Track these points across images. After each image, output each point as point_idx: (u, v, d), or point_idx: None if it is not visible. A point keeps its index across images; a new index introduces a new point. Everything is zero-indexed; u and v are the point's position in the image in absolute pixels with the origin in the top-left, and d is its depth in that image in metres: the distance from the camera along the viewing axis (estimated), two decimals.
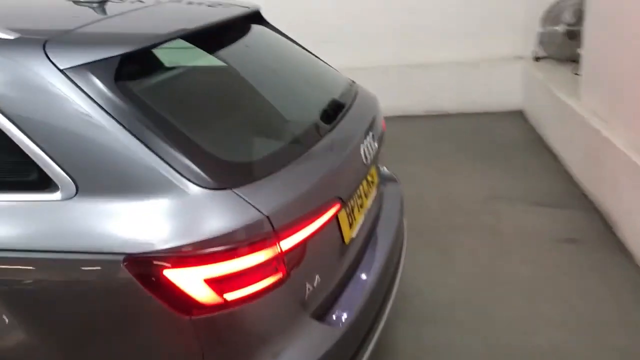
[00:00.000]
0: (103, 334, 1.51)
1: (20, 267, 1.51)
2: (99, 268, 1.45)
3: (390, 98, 5.93)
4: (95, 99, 1.47)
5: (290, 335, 1.59)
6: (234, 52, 2.14)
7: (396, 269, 2.33)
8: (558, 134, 4.48)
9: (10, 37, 1.55)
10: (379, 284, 2.06)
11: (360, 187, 2.04)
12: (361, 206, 2.06)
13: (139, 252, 1.40)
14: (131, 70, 1.60)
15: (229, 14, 2.09)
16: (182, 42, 1.84)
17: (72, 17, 1.91)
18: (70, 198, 1.47)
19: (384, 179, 2.57)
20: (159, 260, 1.40)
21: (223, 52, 2.09)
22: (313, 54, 2.53)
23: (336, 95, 2.16)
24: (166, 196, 1.43)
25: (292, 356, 1.58)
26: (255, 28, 2.39)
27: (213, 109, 1.77)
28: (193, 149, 1.49)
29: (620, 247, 3.14)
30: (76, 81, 1.48)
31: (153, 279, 1.41)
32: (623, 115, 3.31)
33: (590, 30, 3.89)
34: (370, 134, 2.11)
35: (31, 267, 1.50)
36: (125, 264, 1.40)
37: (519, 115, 5.57)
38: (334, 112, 2.00)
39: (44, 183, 1.48)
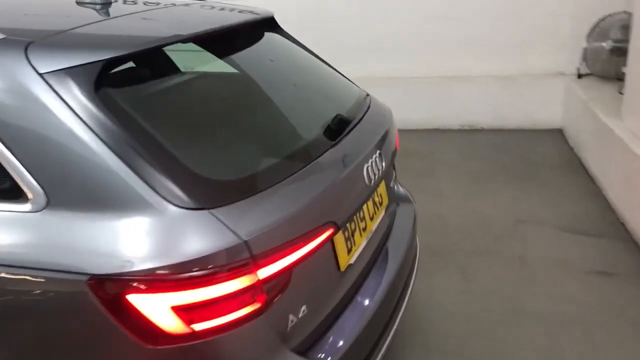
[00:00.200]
0: (61, 358, 1.41)
1: None
2: (62, 287, 1.35)
3: (424, 110, 5.79)
4: (73, 107, 1.38)
5: None
6: (238, 61, 2.03)
7: (403, 294, 2.17)
8: (597, 156, 4.21)
9: None
10: (381, 310, 1.92)
11: (363, 209, 1.90)
12: (364, 229, 1.91)
13: (104, 273, 1.30)
14: (116, 77, 1.51)
15: (235, 20, 1.99)
16: (177, 49, 1.74)
17: (69, 18, 1.84)
18: (40, 210, 1.38)
19: (397, 199, 2.41)
20: (123, 283, 1.30)
21: (225, 60, 1.99)
22: (328, 64, 2.41)
23: (345, 109, 2.03)
24: (137, 214, 1.33)
25: None
26: (267, 35, 2.28)
27: (203, 121, 1.66)
28: (171, 164, 1.39)
29: None
30: (54, 86, 1.39)
31: (116, 303, 1.31)
32: None
33: (635, 48, 3.63)
34: (378, 152, 1.96)
35: None
36: (89, 284, 1.30)
37: (557, 134, 5.29)
38: (338, 127, 1.87)
39: (15, 192, 1.40)
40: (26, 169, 1.38)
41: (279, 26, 2.37)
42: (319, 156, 1.70)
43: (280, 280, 1.45)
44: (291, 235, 1.45)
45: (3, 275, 1.38)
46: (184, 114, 1.65)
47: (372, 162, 1.89)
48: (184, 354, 1.34)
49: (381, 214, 2.10)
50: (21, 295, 1.40)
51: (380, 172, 1.98)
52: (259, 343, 1.44)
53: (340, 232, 1.71)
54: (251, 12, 2.18)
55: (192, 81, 1.85)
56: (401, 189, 2.54)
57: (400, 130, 5.61)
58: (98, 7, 1.91)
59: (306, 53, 2.37)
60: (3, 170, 1.40)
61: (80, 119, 1.37)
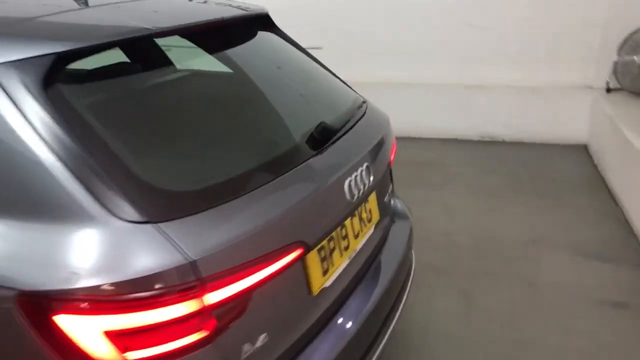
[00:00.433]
0: None
1: None
2: None
3: (442, 119, 5.59)
4: (17, 103, 1.26)
5: None
6: (220, 60, 1.90)
7: (391, 315, 2.00)
8: (620, 177, 3.96)
9: None
10: (363, 333, 1.77)
11: (346, 226, 1.74)
12: (346, 248, 1.75)
13: (32, 290, 1.17)
14: (71, 73, 1.38)
15: (218, 15, 1.84)
16: (147, 44, 1.61)
17: (42, 6, 1.72)
18: None
19: (392, 214, 2.24)
20: (51, 302, 1.16)
21: (206, 58, 1.85)
22: (326, 67, 2.25)
23: (334, 116, 1.87)
24: (75, 225, 1.19)
25: None
26: (260, 35, 2.13)
27: (165, 125, 1.51)
28: (117, 171, 1.25)
29: None
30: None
31: (44, 323, 1.17)
32: None
33: None
34: (365, 165, 1.80)
35: None
36: (17, 300, 1.17)
37: (582, 151, 5.03)
38: (322, 136, 1.71)
39: None
40: None
41: (274, 25, 2.23)
42: (293, 168, 1.54)
43: (234, 306, 1.30)
44: (250, 256, 1.30)
45: None
46: (143, 116, 1.50)
47: (356, 176, 1.73)
48: None
49: (369, 231, 1.93)
50: None
51: (367, 186, 1.81)
52: None
53: (315, 251, 1.56)
54: (243, 8, 2.04)
55: (162, 80, 1.71)
56: (398, 203, 2.37)
57: (416, 139, 5.54)
58: None
59: (302, 55, 2.22)
60: None
61: (24, 116, 1.24)
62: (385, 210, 2.13)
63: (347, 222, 1.76)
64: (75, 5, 1.73)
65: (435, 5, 5.32)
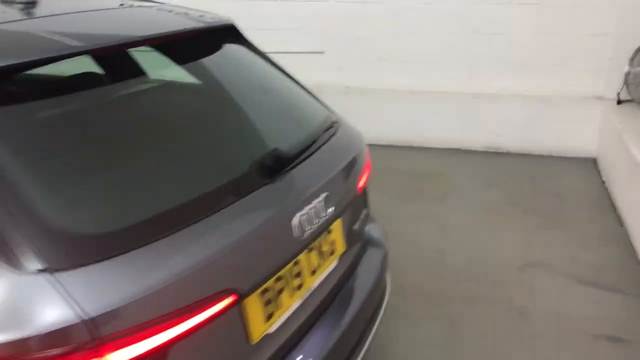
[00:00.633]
0: None
1: None
2: None
3: (446, 128, 5.40)
4: None
5: None
6: (170, 77, 1.76)
7: (354, 351, 1.85)
8: (627, 195, 3.75)
9: None
10: None
11: (301, 263, 1.59)
12: (299, 287, 1.60)
13: None
14: None
15: (169, 29, 1.70)
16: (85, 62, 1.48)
17: None
18: None
19: (364, 242, 2.08)
20: None
21: (154, 76, 1.71)
22: (298, 83, 2.10)
23: (295, 140, 1.72)
24: None
25: None
26: (225, 47, 1.99)
27: (74, 154, 1.34)
28: (10, 209, 1.10)
29: None
30: None
31: None
32: None
33: None
34: (324, 195, 1.64)
35: None
36: None
37: (590, 165, 4.81)
38: (275, 164, 1.56)
39: None
40: None
41: (242, 37, 2.08)
42: (234, 202, 1.39)
43: None
44: (166, 309, 1.16)
45: None
46: (57, 143, 1.34)
47: (311, 210, 1.57)
48: None
49: (331, 265, 1.78)
50: None
51: (326, 219, 1.66)
52: None
53: (256, 295, 1.41)
54: (204, 20, 1.89)
55: (93, 100, 1.56)
56: (374, 228, 2.20)
57: (417, 148, 5.36)
58: (20, 6, 1.67)
59: (270, 69, 2.07)
60: None
61: None
62: (355, 239, 1.98)
63: (302, 257, 1.61)
64: (13, 16, 1.61)
65: (442, 10, 5.14)
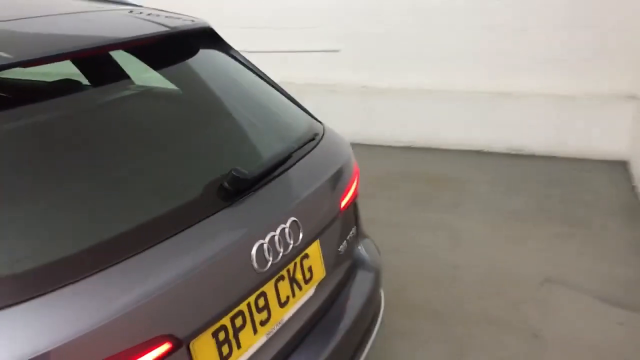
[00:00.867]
0: None
1: None
2: None
3: (466, 129, 5.15)
4: None
5: None
6: (138, 85, 1.60)
7: None
8: None
9: None
10: None
11: (268, 295, 1.42)
12: (264, 322, 1.43)
13: None
14: None
15: (141, 32, 1.56)
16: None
17: None
18: None
19: (351, 264, 1.89)
20: None
21: (113, 86, 1.56)
22: (279, 89, 1.93)
23: (262, 157, 1.56)
24: None
25: None
26: (201, 53, 1.83)
27: (27, 178, 1.21)
28: None
29: None
30: None
31: None
32: None
33: None
34: (291, 220, 1.46)
35: None
36: None
37: (620, 168, 4.50)
38: (235, 185, 1.38)
39: None
40: None
41: (220, 40, 1.92)
42: (173, 234, 1.22)
43: None
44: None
45: None
46: (15, 166, 1.20)
47: (275, 237, 1.40)
48: None
49: (306, 294, 1.60)
50: None
51: (296, 245, 1.48)
52: None
53: (207, 336, 1.25)
54: (173, 26, 1.74)
55: (53, 118, 1.41)
56: (364, 248, 2.00)
57: (435, 150, 5.13)
58: None
59: (249, 75, 1.90)
60: None
61: None
62: (339, 262, 1.80)
63: (268, 288, 1.44)
64: None
65: (463, 5, 4.89)
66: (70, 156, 1.31)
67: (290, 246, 1.45)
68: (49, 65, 1.39)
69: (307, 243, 1.55)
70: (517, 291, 2.94)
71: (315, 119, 1.95)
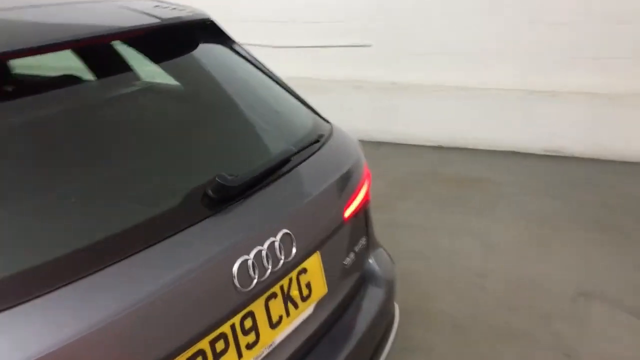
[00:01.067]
0: None
1: None
2: None
3: (502, 129, 4.91)
4: None
5: None
6: (128, 84, 1.49)
7: None
8: None
9: None
10: None
11: (256, 315, 1.29)
12: (251, 345, 1.28)
13: None
14: None
15: (140, 23, 1.44)
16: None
17: None
18: None
19: (359, 277, 1.74)
20: None
21: (101, 82, 1.45)
22: (282, 85, 1.78)
23: (255, 161, 1.41)
24: None
25: None
26: (201, 47, 1.71)
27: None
28: None
29: None
30: None
31: None
32: None
33: None
34: (282, 233, 1.31)
35: None
36: None
37: None
38: (222, 192, 1.25)
39: None
40: None
41: (221, 33, 1.78)
42: (148, 246, 1.09)
43: None
44: None
45: None
46: None
47: (262, 252, 1.25)
48: None
49: (303, 313, 1.46)
50: None
51: (289, 260, 1.33)
52: None
53: None
54: (178, 14, 1.61)
55: (38, 117, 1.30)
56: (373, 262, 1.84)
57: (466, 150, 4.90)
58: None
59: (251, 70, 1.76)
60: None
61: None
62: (345, 276, 1.64)
63: (257, 306, 1.30)
64: None
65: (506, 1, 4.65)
66: (43, 159, 1.20)
67: (281, 262, 1.30)
68: (53, 60, 1.31)
69: (303, 256, 1.40)
70: (548, 304, 2.72)
71: (324, 118, 1.80)
